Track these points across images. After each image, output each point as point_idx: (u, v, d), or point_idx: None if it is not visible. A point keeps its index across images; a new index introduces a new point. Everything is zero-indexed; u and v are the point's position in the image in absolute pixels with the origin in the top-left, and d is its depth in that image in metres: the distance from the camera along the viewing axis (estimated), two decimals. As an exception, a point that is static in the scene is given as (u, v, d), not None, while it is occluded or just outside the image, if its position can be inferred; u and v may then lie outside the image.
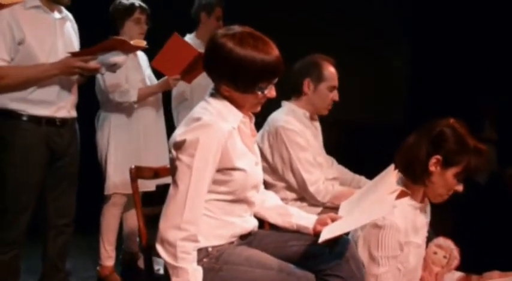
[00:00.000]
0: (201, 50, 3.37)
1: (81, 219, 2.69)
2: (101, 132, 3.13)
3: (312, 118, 2.73)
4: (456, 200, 2.03)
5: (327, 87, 2.63)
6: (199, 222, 1.62)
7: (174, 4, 3.96)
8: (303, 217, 1.84)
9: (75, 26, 2.58)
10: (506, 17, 4.03)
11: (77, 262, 3.27)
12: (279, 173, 2.59)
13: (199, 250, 1.65)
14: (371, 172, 2.91)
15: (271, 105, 2.22)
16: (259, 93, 1.68)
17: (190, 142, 1.60)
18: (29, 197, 2.36)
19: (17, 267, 2.44)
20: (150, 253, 1.85)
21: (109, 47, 2.34)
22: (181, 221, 1.58)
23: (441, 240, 2.13)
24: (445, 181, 1.94)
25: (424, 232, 2.04)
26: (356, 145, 4.06)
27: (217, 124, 1.63)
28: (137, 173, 1.89)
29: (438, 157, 1.91)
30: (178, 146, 1.63)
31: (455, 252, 2.11)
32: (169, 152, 1.69)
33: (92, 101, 3.14)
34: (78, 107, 2.56)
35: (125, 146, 3.09)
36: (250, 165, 1.72)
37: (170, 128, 3.43)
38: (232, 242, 1.74)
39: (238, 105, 1.72)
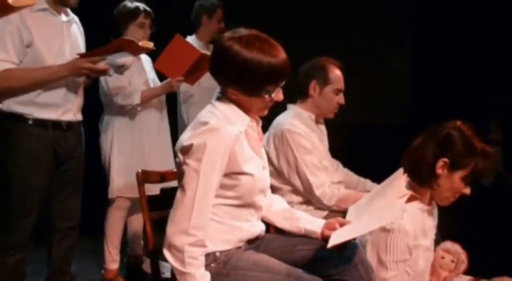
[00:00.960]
0: (203, 51, 3.43)
1: (85, 222, 2.68)
2: (105, 136, 3.12)
3: (317, 121, 2.72)
4: (460, 203, 2.02)
5: (332, 90, 2.62)
6: (207, 227, 1.61)
7: (174, 5, 3.96)
8: (310, 221, 1.83)
9: (81, 28, 2.58)
10: (507, 16, 4.02)
11: (81, 265, 3.26)
12: (284, 177, 2.58)
13: (207, 255, 1.64)
14: (374, 173, 2.91)
15: (277, 108, 2.21)
16: (267, 96, 1.67)
17: (197, 146, 1.59)
18: (34, 200, 2.36)
19: (23, 270, 2.43)
20: (157, 257, 1.85)
21: (117, 48, 2.34)
22: (189, 226, 1.57)
23: (448, 244, 2.12)
24: (452, 183, 1.92)
25: (432, 235, 2.03)
26: (359, 146, 4.05)
27: (224, 128, 1.61)
28: (144, 177, 1.88)
29: (445, 159, 1.90)
30: (185, 150, 1.61)
31: (463, 256, 2.10)
32: (176, 156, 1.68)
33: (96, 104, 3.14)
34: (83, 109, 2.56)
35: (128, 149, 3.08)
36: (257, 169, 1.71)
37: (173, 130, 3.45)
38: (239, 247, 1.73)
39: (245, 109, 1.70)
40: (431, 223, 2.01)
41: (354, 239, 1.74)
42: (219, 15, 3.59)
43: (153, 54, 3.04)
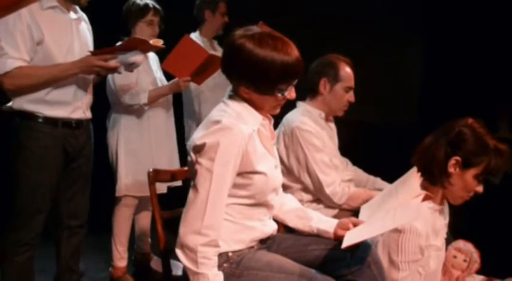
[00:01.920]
0: (207, 48, 3.41)
1: (93, 219, 2.68)
2: (112, 134, 3.11)
3: (327, 119, 2.70)
4: (470, 200, 2.00)
5: (343, 87, 2.60)
6: (220, 227, 1.60)
7: (174, 3, 3.92)
8: (323, 221, 1.82)
9: (90, 26, 2.57)
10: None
11: (89, 262, 3.27)
12: (294, 175, 2.57)
13: (220, 255, 1.63)
14: (384, 171, 2.90)
15: (286, 106, 2.20)
16: (279, 95, 1.66)
17: (210, 145, 1.57)
18: (43, 199, 2.35)
19: (31, 268, 2.43)
20: (168, 256, 1.84)
21: (129, 47, 2.33)
22: (202, 226, 1.56)
23: (461, 243, 2.10)
24: (465, 182, 1.91)
25: (443, 234, 2.01)
26: (369, 145, 4.02)
27: (237, 127, 1.60)
28: (155, 176, 1.87)
29: (457, 158, 1.88)
30: (198, 149, 1.60)
31: (476, 255, 2.08)
32: (188, 155, 1.67)
33: (103, 101, 3.12)
34: (90, 107, 2.55)
35: (135, 148, 3.07)
36: (270, 168, 1.69)
37: (180, 128, 3.44)
38: (252, 247, 1.72)
39: (257, 107, 1.69)
40: (442, 222, 1.99)
41: (367, 239, 1.73)
42: (222, 9, 3.54)
43: (160, 53, 3.02)
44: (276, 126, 2.54)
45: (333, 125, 2.77)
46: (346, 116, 2.73)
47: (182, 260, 1.58)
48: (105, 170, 3.14)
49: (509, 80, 3.97)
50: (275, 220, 1.85)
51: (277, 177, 1.76)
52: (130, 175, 3.06)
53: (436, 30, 4.27)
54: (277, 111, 1.74)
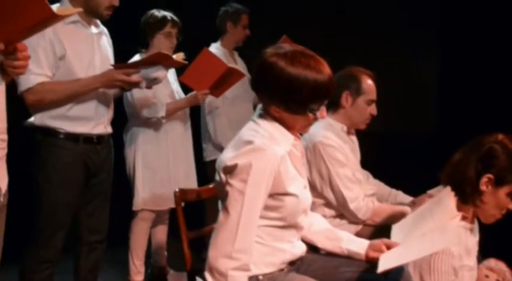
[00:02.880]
0: (227, 59, 3.39)
1: (109, 233, 2.65)
2: (129, 147, 3.08)
3: (349, 132, 2.66)
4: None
5: (365, 100, 2.56)
6: (252, 250, 1.56)
7: (188, 13, 3.90)
8: (353, 241, 1.77)
9: (110, 40, 2.55)
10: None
11: (106, 276, 3.22)
12: (317, 190, 2.52)
13: (250, 279, 1.58)
14: (402, 182, 2.86)
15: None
16: (311, 114, 1.62)
17: (242, 166, 1.53)
18: (64, 215, 2.33)
19: (51, 284, 2.40)
20: (195, 278, 1.80)
21: (153, 62, 2.31)
22: (233, 250, 1.51)
23: (492, 262, 2.05)
24: (498, 200, 1.85)
25: (475, 253, 1.96)
26: (386, 155, 3.98)
27: (270, 148, 1.56)
28: (182, 196, 1.83)
29: (489, 175, 1.83)
30: (229, 170, 1.56)
31: (508, 275, 2.03)
32: (217, 174, 1.63)
33: (119, 115, 3.09)
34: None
35: (153, 161, 3.04)
36: (300, 189, 1.66)
37: (196, 141, 3.41)
38: (282, 269, 1.68)
39: (288, 127, 1.65)
40: (473, 240, 1.94)
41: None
42: (244, 21, 3.53)
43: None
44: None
45: (354, 138, 2.73)
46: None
47: None
48: (120, 184, 3.11)
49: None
50: (303, 240, 1.81)
51: (307, 198, 1.72)
52: (147, 189, 3.03)
53: (454, 39, 4.23)
54: (308, 130, 1.71)
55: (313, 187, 2.53)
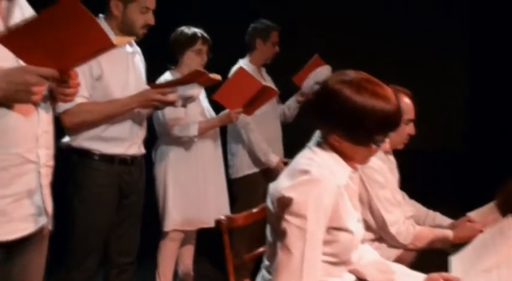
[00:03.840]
0: (256, 76, 3.33)
1: (137, 253, 2.59)
2: (159, 166, 3.02)
3: (386, 152, 2.59)
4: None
5: (403, 120, 2.48)
6: None
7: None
8: (407, 275, 1.67)
9: (143, 58, 2.51)
10: None
11: (133, 297, 3.16)
12: (356, 213, 2.44)
13: None
14: (434, 201, 2.78)
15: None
16: (374, 146, 1.53)
17: (299, 201, 1.44)
18: (97, 238, 2.28)
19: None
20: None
21: (190, 80, 2.26)
22: None
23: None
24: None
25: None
26: (417, 173, 3.90)
27: (328, 180, 1.47)
28: (228, 224, 1.75)
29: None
30: (285, 203, 1.46)
31: None
32: (271, 203, 1.55)
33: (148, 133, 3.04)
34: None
35: (183, 181, 2.98)
36: (355, 224, 1.57)
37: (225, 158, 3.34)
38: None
39: (346, 158, 1.55)
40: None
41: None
42: (274, 38, 3.48)
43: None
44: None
45: (392, 158, 2.64)
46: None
47: None
48: (148, 203, 3.04)
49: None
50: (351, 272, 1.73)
51: (361, 232, 1.64)
52: (178, 209, 2.97)
53: (483, 56, 4.17)
54: (367, 162, 1.62)
55: (351, 210, 2.46)
